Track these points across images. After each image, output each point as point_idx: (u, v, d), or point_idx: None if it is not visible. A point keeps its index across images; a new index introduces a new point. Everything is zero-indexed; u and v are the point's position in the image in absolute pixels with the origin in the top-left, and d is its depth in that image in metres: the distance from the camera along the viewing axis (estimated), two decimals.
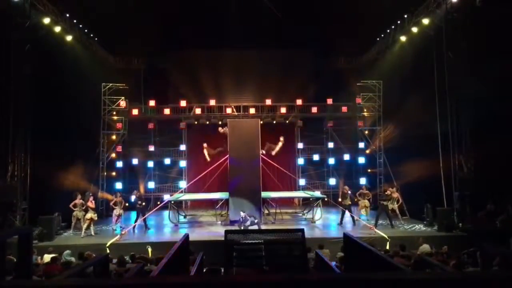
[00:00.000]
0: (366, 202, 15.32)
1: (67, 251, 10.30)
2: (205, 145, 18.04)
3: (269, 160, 17.05)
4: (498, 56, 11.79)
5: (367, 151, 20.41)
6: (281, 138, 17.81)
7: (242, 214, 13.62)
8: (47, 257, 9.89)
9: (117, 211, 14.73)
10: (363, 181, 18.98)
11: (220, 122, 19.12)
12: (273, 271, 5.71)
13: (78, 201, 13.92)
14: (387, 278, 1.44)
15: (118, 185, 18.93)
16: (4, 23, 13.28)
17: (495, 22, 11.95)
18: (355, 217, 14.99)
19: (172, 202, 16.03)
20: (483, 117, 12.89)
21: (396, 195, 14.84)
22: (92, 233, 13.69)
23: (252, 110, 20.14)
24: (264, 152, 16.73)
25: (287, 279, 1.49)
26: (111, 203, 15.22)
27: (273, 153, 17.45)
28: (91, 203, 13.96)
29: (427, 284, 1.44)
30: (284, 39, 19.81)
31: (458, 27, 13.83)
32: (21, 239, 2.73)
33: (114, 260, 8.61)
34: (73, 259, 9.49)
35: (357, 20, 17.00)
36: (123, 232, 13.39)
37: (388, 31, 18.43)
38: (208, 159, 17.87)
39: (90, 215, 13.67)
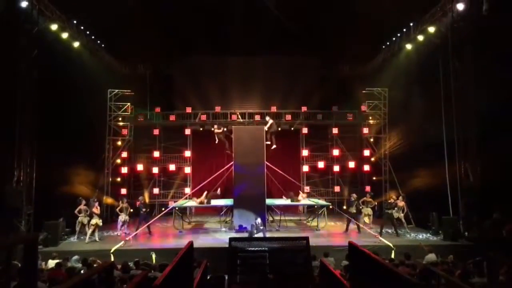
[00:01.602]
0: (369, 210, 15.29)
1: (76, 257, 10.31)
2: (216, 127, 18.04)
3: (274, 168, 17.03)
4: (505, 65, 11.75)
5: (372, 159, 20.35)
6: (267, 118, 17.69)
7: (258, 221, 13.53)
8: (51, 263, 9.91)
9: (122, 217, 14.78)
10: (367, 189, 18.90)
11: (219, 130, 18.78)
12: (277, 279, 5.69)
13: (83, 206, 13.97)
14: None
15: (123, 191, 18.96)
16: (12, 29, 13.40)
17: (501, 31, 11.91)
18: (360, 225, 14.92)
19: (177, 208, 16.04)
20: (490, 125, 12.83)
21: (402, 203, 14.75)
22: (97, 238, 13.70)
23: (257, 117, 20.15)
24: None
25: None
26: (117, 209, 15.26)
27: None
28: (96, 209, 14.00)
29: None
30: (290, 46, 19.87)
31: (464, 35, 13.82)
32: (27, 246, 2.74)
33: (118, 266, 8.61)
34: (80, 265, 9.49)
35: (362, 28, 17.02)
36: (127, 238, 13.39)
37: (394, 39, 18.47)
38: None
39: (95, 221, 13.69)
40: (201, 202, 16.08)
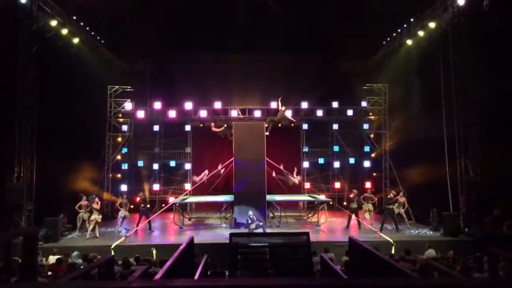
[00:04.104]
0: (370, 206, 15.28)
1: (76, 252, 10.32)
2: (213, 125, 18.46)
3: (274, 164, 17.01)
4: (505, 60, 11.73)
5: (373, 155, 20.34)
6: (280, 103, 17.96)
7: (250, 213, 13.58)
8: (52, 259, 9.92)
9: (122, 212, 14.79)
10: (368, 185, 18.89)
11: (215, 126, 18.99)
12: (277, 275, 5.70)
13: (83, 202, 13.97)
14: (394, 285, 1.42)
15: (123, 187, 18.96)
16: (12, 25, 13.37)
17: (502, 26, 11.89)
18: (361, 221, 14.93)
19: (177, 204, 16.04)
20: (490, 121, 12.82)
21: (402, 199, 14.76)
22: (97, 234, 13.70)
23: (257, 113, 20.10)
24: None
25: (293, 284, 1.47)
26: (117, 204, 15.28)
27: None
28: (96, 205, 13.99)
29: None
30: (290, 42, 19.78)
31: (464, 31, 13.78)
32: (27, 240, 2.73)
33: (119, 262, 8.62)
34: (80, 261, 9.51)
35: (363, 23, 16.95)
36: (128, 234, 13.39)
37: (394, 34, 18.36)
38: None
39: (94, 216, 13.69)
40: (200, 180, 16.75)
